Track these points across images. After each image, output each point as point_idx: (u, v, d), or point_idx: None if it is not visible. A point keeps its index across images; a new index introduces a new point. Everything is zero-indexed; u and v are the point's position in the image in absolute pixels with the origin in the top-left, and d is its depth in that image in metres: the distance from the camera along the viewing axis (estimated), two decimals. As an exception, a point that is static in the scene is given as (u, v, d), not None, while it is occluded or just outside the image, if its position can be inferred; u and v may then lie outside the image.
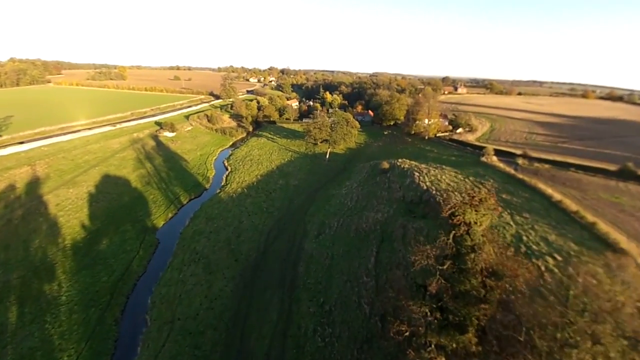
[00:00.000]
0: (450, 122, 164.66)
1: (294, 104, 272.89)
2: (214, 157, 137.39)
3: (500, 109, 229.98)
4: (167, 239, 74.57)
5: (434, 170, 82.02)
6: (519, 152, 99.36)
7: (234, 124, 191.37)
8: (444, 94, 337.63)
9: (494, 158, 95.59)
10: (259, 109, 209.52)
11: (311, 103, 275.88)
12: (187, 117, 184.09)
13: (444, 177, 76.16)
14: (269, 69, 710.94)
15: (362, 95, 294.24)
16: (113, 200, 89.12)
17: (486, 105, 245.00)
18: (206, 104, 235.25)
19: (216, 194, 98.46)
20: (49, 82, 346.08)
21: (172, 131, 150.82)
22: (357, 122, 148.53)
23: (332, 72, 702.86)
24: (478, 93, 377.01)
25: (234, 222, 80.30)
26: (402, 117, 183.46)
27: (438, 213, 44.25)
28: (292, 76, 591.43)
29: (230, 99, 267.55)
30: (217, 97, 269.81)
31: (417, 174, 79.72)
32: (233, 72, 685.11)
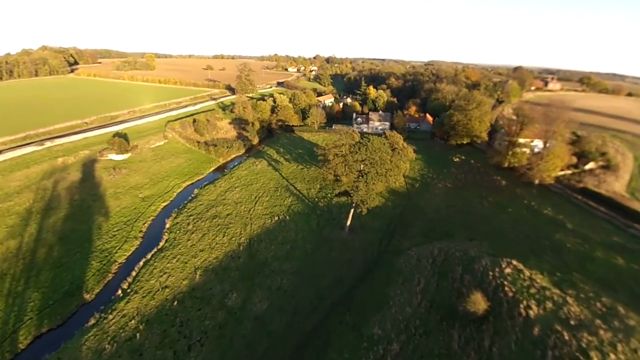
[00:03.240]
0: (576, 149, 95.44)
1: (328, 100, 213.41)
2: (166, 202, 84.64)
3: (622, 119, 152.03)
4: None
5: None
6: None
7: (233, 132, 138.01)
8: (531, 90, 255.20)
9: None
10: (273, 110, 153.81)
11: (349, 101, 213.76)
12: (169, 122, 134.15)
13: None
14: (314, 57, 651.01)
15: (417, 91, 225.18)
16: None
17: (597, 112, 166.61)
18: (213, 102, 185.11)
19: (83, 330, 44.70)
20: (71, 72, 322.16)
21: (122, 152, 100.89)
22: (410, 151, 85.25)
23: (383, 60, 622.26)
24: (575, 90, 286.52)
25: None
26: (483, 134, 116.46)
27: None
28: (336, 65, 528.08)
29: (250, 94, 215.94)
30: (235, 92, 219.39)
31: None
32: (274, 60, 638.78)
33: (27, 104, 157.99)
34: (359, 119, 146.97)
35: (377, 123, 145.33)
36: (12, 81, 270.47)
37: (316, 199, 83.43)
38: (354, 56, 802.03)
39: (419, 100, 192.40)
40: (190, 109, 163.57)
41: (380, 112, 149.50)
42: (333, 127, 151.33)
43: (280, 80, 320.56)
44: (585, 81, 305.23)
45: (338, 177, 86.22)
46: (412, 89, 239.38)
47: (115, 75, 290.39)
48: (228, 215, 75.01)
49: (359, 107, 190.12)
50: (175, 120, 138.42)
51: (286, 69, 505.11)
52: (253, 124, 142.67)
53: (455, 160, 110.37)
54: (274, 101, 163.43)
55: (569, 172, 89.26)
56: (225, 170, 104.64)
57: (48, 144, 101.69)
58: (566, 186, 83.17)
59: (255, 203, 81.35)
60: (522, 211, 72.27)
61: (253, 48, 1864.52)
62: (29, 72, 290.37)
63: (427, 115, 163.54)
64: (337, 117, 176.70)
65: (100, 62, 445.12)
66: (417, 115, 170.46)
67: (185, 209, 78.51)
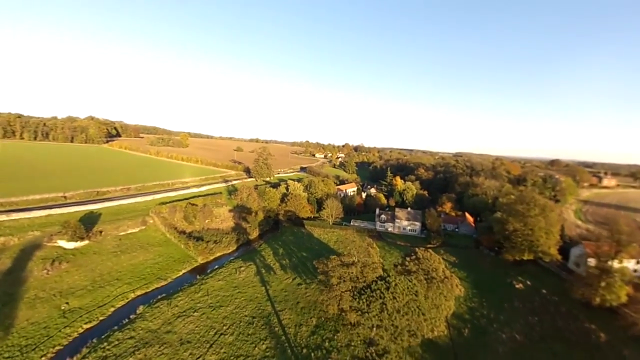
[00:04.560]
0: None
1: (350, 189, 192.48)
2: (92, 324, 58.46)
3: None
4: None
5: None
6: None
7: (230, 222, 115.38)
8: (584, 187, 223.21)
9: None
10: (283, 199, 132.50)
11: (372, 192, 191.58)
12: (160, 204, 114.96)
13: None
14: (342, 145, 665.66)
15: (450, 184, 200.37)
16: None
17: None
18: (223, 184, 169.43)
19: None
20: (106, 143, 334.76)
21: (76, 239, 79.74)
22: (455, 282, 54.89)
23: (410, 151, 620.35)
24: (633, 187, 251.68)
25: None
26: (553, 249, 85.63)
27: None
28: (363, 154, 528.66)
29: (266, 178, 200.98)
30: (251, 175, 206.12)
31: None
32: (304, 146, 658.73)
33: (22, 167, 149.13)
34: (382, 216, 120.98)
35: (404, 222, 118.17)
36: (39, 142, 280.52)
37: (306, 348, 53.01)
38: (382, 145, 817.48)
39: (454, 195, 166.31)
40: (194, 190, 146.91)
41: (409, 209, 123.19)
42: (351, 223, 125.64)
43: (304, 165, 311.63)
44: (639, 175, 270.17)
45: (344, 312, 56.77)
46: (444, 182, 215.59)
47: (144, 149, 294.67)
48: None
49: (383, 200, 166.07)
50: (170, 202, 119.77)
51: (313, 155, 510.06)
52: (256, 213, 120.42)
53: (517, 287, 77.93)
54: (287, 188, 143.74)
55: None
56: (198, 277, 78.15)
57: (2, 217, 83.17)
58: None
59: (211, 346, 52.42)
60: None
61: (288, 134, 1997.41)
62: (64, 137, 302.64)
63: (467, 214, 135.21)
64: (357, 210, 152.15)
65: (142, 137, 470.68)
66: (454, 214, 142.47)
67: (105, 344, 51.20)
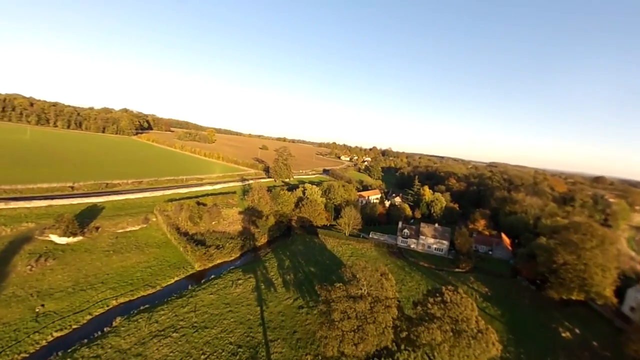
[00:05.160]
0: None
1: (373, 197, 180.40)
2: (63, 332, 51.94)
3: None
4: None
5: None
6: None
7: (238, 226, 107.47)
8: (636, 210, 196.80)
9: None
10: (297, 203, 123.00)
11: (397, 200, 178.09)
12: (169, 201, 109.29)
13: None
14: (370, 149, 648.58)
15: (484, 199, 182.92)
16: None
17: None
18: (239, 183, 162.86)
19: None
20: (135, 134, 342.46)
21: (69, 234, 74.54)
22: (492, 338, 42.27)
23: (441, 158, 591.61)
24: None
25: None
26: (608, 290, 70.40)
27: None
28: (390, 158, 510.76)
29: (285, 179, 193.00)
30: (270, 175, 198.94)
31: None
32: (330, 147, 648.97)
33: (41, 154, 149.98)
34: (405, 231, 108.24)
35: (430, 240, 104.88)
36: (71, 131, 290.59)
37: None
38: (412, 151, 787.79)
39: (489, 211, 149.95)
40: (207, 187, 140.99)
41: (437, 225, 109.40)
42: (370, 235, 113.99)
43: (328, 168, 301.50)
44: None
45: (345, 356, 45.98)
46: (477, 196, 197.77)
47: (170, 143, 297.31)
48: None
49: (408, 211, 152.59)
50: (179, 199, 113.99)
51: (339, 157, 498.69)
52: (267, 217, 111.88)
53: (564, 335, 63.56)
54: (303, 192, 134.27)
55: None
56: (190, 287, 70.14)
57: (1, 205, 79.99)
58: None
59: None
60: None
61: (315, 134, 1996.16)
62: (97, 127, 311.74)
63: (503, 235, 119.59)
64: (378, 221, 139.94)
65: (172, 131, 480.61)
66: (488, 234, 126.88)
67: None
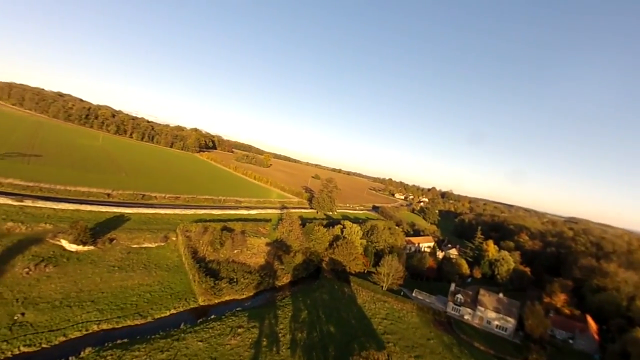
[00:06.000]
0: None
1: (425, 244, 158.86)
2: (31, 349, 44.34)
3: None
4: None
5: None
6: None
7: (261, 259, 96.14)
8: None
9: None
10: (332, 243, 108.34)
11: (453, 253, 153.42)
12: (197, 221, 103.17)
13: None
14: (428, 189, 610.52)
15: (565, 265, 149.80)
16: None
17: None
18: (277, 211, 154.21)
19: None
20: (197, 152, 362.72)
21: (80, 242, 69.98)
22: None
23: (510, 207, 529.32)
24: None
25: None
26: None
27: None
28: (450, 202, 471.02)
29: (328, 212, 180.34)
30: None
31: None
32: (385, 183, 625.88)
33: (101, 159, 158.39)
34: (459, 296, 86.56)
35: (491, 313, 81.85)
36: (142, 143, 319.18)
37: None
38: (475, 195, 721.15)
39: (570, 282, 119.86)
40: (243, 211, 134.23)
41: (501, 295, 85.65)
42: (414, 294, 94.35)
43: (378, 205, 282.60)
44: None
45: None
46: (556, 260, 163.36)
47: (225, 163, 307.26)
48: None
49: (465, 268, 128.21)
50: (209, 220, 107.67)
51: (392, 194, 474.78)
52: (295, 254, 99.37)
53: None
54: (342, 230, 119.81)
55: None
56: (183, 326, 59.06)
57: (27, 202, 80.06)
58: None
59: None
60: None
61: (371, 167, 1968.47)
62: (166, 142, 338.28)
63: (589, 318, 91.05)
64: (426, 275, 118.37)
65: (233, 152, 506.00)
66: (568, 312, 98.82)
67: None
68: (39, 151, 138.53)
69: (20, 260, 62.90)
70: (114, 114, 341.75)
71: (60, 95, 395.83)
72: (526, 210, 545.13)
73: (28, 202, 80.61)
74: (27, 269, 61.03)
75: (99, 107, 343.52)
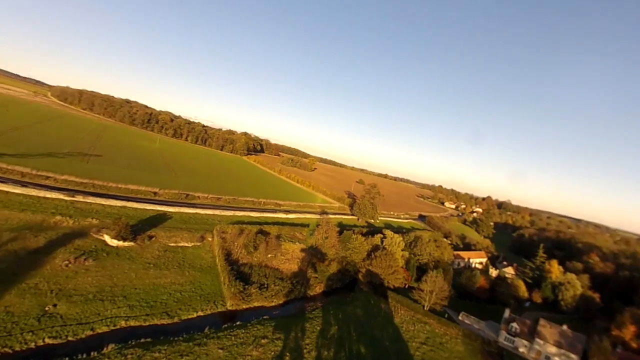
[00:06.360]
0: None
1: (476, 260, 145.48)
2: (56, 341, 45.38)
3: None
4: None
5: None
6: None
7: (294, 265, 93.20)
8: None
9: None
10: (370, 253, 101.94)
11: (509, 272, 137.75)
12: (234, 223, 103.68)
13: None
14: (483, 199, 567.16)
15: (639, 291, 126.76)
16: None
17: None
18: (316, 216, 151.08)
19: None
20: (245, 155, 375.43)
21: (120, 238, 72.78)
22: None
23: (577, 221, 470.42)
24: None
25: None
26: None
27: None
28: (508, 214, 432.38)
29: (370, 219, 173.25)
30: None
31: None
32: (434, 190, 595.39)
33: (153, 159, 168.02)
34: (514, 325, 75.35)
35: (552, 349, 69.79)
36: (196, 145, 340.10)
37: None
38: (537, 207, 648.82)
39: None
40: (281, 215, 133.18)
41: (565, 327, 72.82)
42: (460, 317, 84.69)
43: (425, 214, 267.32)
44: None
45: None
46: (629, 285, 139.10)
47: (271, 166, 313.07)
48: None
49: (523, 290, 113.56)
50: (246, 222, 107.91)
51: (442, 203, 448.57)
52: (330, 263, 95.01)
53: None
54: (382, 240, 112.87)
55: None
56: (207, 330, 57.65)
57: (79, 197, 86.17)
58: None
59: None
60: None
61: (420, 173, 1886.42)
62: (217, 145, 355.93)
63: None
64: (476, 296, 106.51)
65: (279, 155, 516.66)
66: (635, 346, 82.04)
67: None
68: (100, 151, 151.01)
69: (62, 252, 66.24)
70: (173, 118, 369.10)
71: (128, 102, 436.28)
72: (596, 225, 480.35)
73: (79, 198, 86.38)
74: (66, 262, 63.93)
75: (160, 112, 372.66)
